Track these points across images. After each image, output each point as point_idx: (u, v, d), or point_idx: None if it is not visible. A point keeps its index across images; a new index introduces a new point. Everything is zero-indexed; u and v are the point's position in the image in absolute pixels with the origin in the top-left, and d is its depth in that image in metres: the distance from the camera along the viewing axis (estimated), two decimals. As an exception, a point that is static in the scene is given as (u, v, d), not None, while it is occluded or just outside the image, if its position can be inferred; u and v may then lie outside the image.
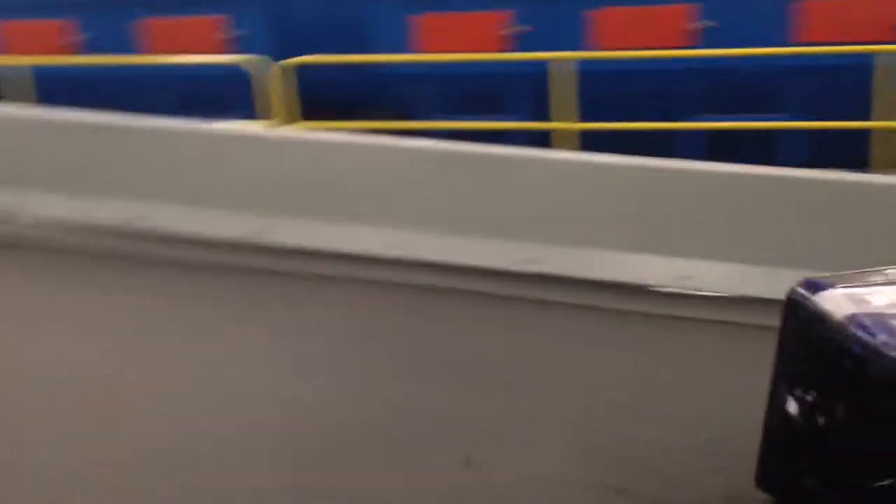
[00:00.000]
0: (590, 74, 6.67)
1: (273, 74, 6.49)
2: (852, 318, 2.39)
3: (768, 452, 2.67)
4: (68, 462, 3.13)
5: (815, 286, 2.55)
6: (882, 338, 2.32)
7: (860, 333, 2.35)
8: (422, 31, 7.23)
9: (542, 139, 6.81)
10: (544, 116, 6.85)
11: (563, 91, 6.54)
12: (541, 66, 6.78)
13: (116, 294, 4.75)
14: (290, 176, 5.38)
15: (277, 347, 4.11)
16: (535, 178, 5.06)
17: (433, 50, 7.15)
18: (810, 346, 2.52)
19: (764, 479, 2.70)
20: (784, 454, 2.63)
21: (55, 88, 6.97)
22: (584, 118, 6.65)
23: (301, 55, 6.69)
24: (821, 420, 2.45)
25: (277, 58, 6.66)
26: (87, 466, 3.10)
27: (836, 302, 2.46)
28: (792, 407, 2.53)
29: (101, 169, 5.57)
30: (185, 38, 7.16)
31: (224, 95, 7.23)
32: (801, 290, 2.56)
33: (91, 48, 7.33)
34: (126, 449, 3.21)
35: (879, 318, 2.38)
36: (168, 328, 4.34)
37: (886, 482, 2.34)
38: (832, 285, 2.54)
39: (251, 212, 5.36)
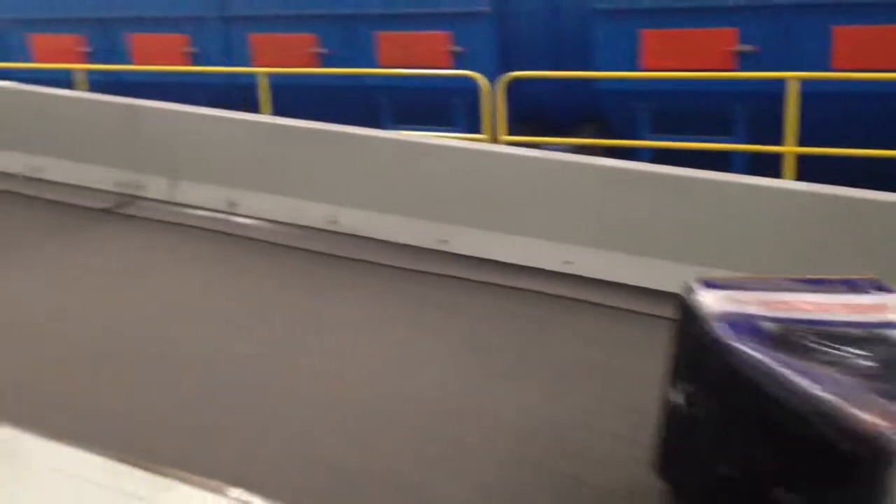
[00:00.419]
0: (822, 96, 6.21)
1: (485, 89, 6.66)
2: (722, 316, 2.50)
3: (659, 442, 2.78)
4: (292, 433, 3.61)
5: (707, 285, 2.66)
6: (741, 337, 2.40)
7: (722, 331, 2.45)
8: (646, 46, 7.07)
9: (764, 162, 6.43)
10: (763, 138, 6.46)
11: (791, 112, 6.12)
12: (762, 85, 6.41)
13: (305, 285, 5.18)
14: (476, 187, 5.50)
15: (451, 351, 4.33)
16: (717, 202, 4.84)
17: (657, 66, 6.97)
18: (690, 340, 2.62)
19: (658, 468, 2.80)
20: (670, 443, 2.73)
21: (295, 97, 7.61)
22: (811, 142, 6.19)
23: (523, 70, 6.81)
24: (693, 411, 2.57)
25: (501, 73, 6.81)
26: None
27: (715, 300, 2.57)
28: (675, 397, 2.65)
29: (310, 172, 6.01)
30: (411, 52, 7.54)
31: (444, 108, 7.52)
32: (690, 287, 2.67)
33: (329, 61, 7.92)
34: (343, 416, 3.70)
35: (748, 319, 2.47)
36: (343, 320, 4.76)
37: (725, 470, 2.45)
38: (723, 286, 2.65)
39: (436, 219, 5.55)
